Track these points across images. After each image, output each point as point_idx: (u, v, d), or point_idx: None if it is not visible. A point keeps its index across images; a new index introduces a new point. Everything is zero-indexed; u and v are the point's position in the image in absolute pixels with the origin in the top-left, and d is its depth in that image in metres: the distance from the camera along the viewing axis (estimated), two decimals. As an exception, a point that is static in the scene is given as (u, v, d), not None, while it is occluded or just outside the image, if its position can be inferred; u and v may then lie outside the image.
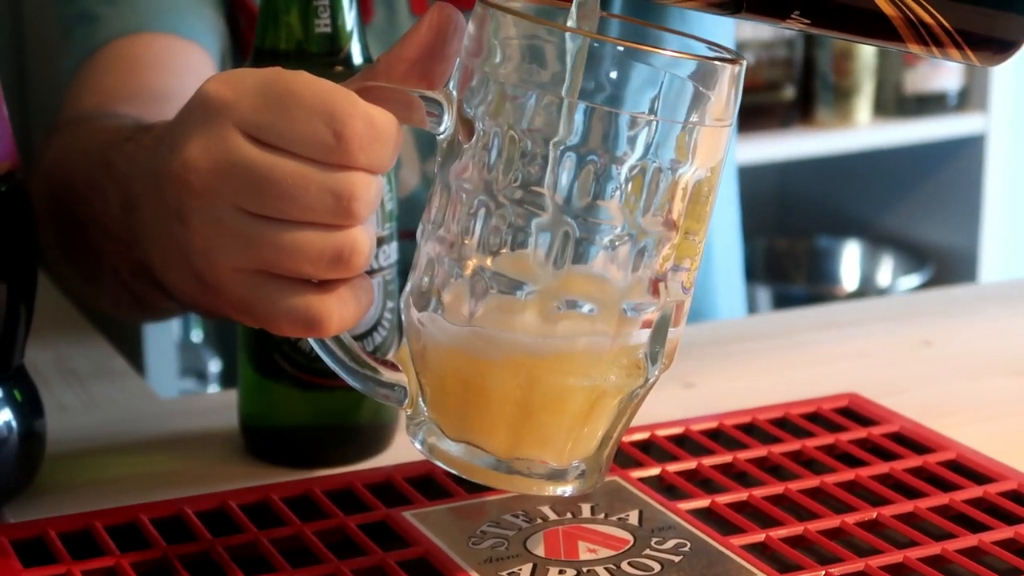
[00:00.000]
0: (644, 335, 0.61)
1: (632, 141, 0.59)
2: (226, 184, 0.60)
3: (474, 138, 0.60)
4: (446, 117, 0.61)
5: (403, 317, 0.64)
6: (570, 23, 0.62)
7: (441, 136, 0.62)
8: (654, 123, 0.59)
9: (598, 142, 0.59)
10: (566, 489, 0.64)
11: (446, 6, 0.63)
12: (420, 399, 0.64)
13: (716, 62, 0.60)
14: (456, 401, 0.62)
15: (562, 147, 0.59)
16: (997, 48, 0.61)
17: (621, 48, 0.59)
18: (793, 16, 0.60)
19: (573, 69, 0.58)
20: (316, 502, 0.72)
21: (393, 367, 0.64)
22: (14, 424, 0.74)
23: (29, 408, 0.75)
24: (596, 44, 0.58)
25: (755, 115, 2.14)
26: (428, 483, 0.74)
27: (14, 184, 0.73)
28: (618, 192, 0.59)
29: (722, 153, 0.61)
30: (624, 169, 0.59)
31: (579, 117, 0.58)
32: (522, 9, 0.64)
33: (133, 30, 1.02)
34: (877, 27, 0.60)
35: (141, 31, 1.02)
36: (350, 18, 0.76)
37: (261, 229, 0.60)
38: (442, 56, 0.62)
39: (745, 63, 0.61)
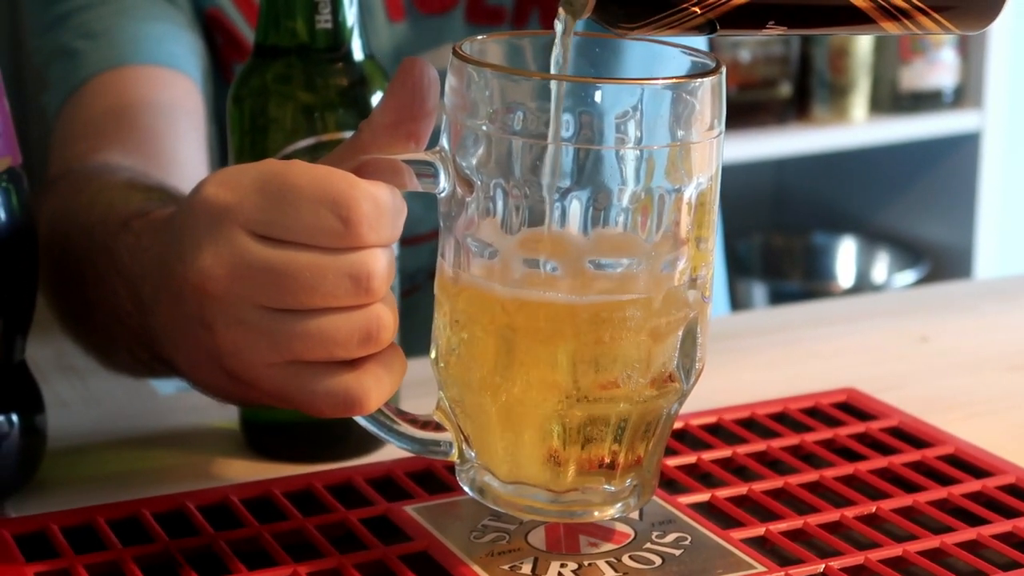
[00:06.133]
0: (674, 351, 0.62)
1: (627, 172, 0.59)
2: (245, 287, 0.60)
3: (475, 191, 0.61)
4: (442, 177, 0.62)
5: (434, 372, 0.65)
6: (555, 50, 0.62)
7: (441, 195, 0.62)
8: (644, 151, 0.59)
9: (594, 180, 0.59)
10: (629, 502, 0.65)
11: (416, 63, 0.63)
12: (466, 447, 0.65)
13: (695, 80, 0.60)
14: (503, 444, 0.63)
15: (561, 190, 0.59)
16: (976, 15, 0.61)
17: (598, 85, 0.59)
18: (769, 25, 0.60)
19: (555, 113, 0.59)
20: (317, 496, 0.72)
21: (434, 427, 0.65)
22: (15, 420, 0.74)
23: (30, 404, 0.76)
24: (571, 85, 0.59)
25: (751, 112, 2.14)
26: (429, 477, 0.74)
27: (15, 179, 0.73)
28: (625, 222, 0.60)
29: (718, 161, 0.62)
30: (625, 200, 0.59)
31: (570, 159, 0.59)
32: (501, 46, 0.65)
33: (114, 64, 1.00)
34: (851, 19, 0.60)
35: (123, 65, 1.00)
36: (351, 14, 0.76)
37: (287, 323, 0.60)
38: (423, 114, 0.63)
39: (724, 70, 0.61)
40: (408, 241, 0.63)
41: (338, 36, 0.76)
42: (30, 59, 1.25)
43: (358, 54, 0.76)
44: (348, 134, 0.75)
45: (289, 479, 0.74)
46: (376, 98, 0.76)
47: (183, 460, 0.81)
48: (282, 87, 0.76)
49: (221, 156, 1.06)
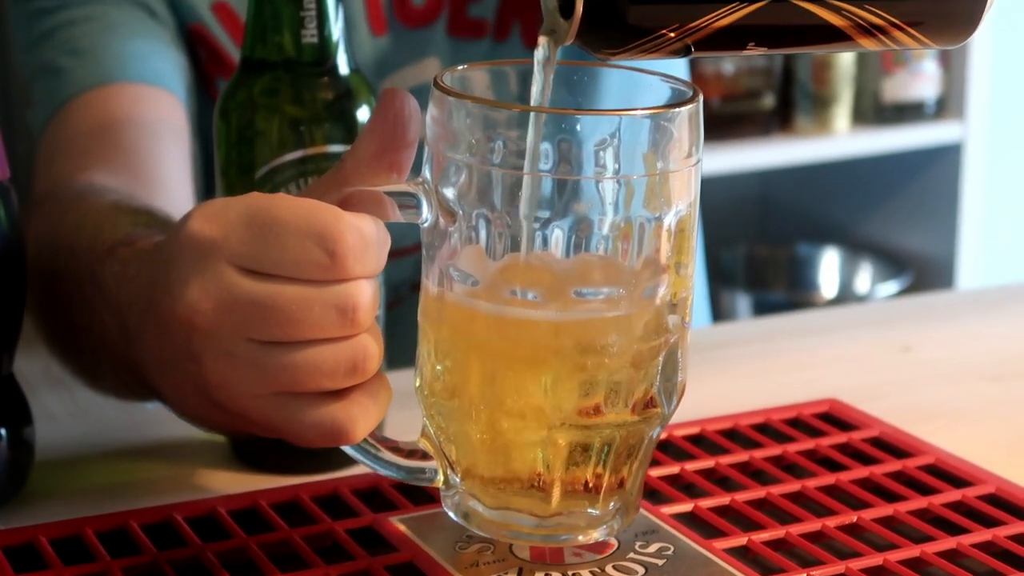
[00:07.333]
0: (655, 376, 0.63)
1: (606, 202, 0.60)
2: (232, 320, 0.61)
3: (457, 222, 0.61)
4: (424, 208, 0.62)
5: (419, 400, 0.65)
6: (535, 77, 0.63)
7: (424, 226, 0.63)
8: (622, 181, 0.60)
9: (574, 209, 0.60)
10: (612, 525, 0.66)
11: (397, 93, 0.64)
12: (451, 473, 0.65)
13: (672, 109, 0.61)
14: (488, 470, 0.64)
15: (541, 220, 0.60)
16: (953, 30, 0.62)
17: (577, 116, 0.60)
18: (749, 47, 0.61)
19: (534, 143, 0.60)
20: (304, 508, 0.72)
21: (420, 455, 0.65)
22: (3, 432, 0.74)
23: (18, 416, 0.76)
24: (550, 117, 0.60)
25: (735, 123, 2.15)
26: (415, 489, 0.75)
27: (3, 194, 0.73)
28: (606, 250, 0.60)
29: (696, 187, 0.63)
30: (606, 228, 0.60)
31: (550, 189, 0.60)
32: (483, 74, 0.65)
33: (99, 82, 1.00)
34: (829, 37, 0.61)
35: (107, 83, 1.00)
36: (336, 28, 0.76)
37: (274, 355, 0.61)
38: (404, 144, 0.64)
39: (701, 97, 0.62)
40: (392, 254, 0.63)
41: (324, 50, 0.76)
42: (17, 75, 1.26)
43: (344, 68, 0.77)
44: (334, 147, 0.76)
45: (276, 490, 0.74)
46: (362, 111, 0.77)
47: (170, 472, 0.81)
48: (269, 100, 0.76)
49: (205, 172, 1.06)
